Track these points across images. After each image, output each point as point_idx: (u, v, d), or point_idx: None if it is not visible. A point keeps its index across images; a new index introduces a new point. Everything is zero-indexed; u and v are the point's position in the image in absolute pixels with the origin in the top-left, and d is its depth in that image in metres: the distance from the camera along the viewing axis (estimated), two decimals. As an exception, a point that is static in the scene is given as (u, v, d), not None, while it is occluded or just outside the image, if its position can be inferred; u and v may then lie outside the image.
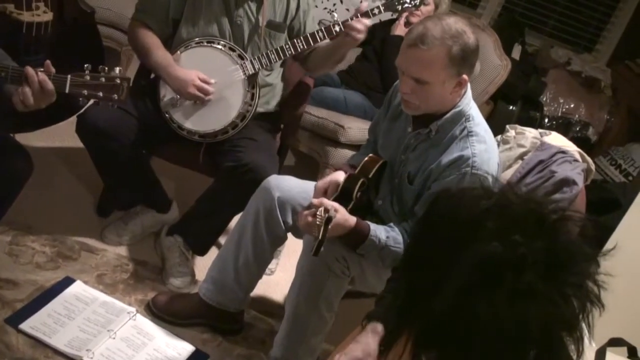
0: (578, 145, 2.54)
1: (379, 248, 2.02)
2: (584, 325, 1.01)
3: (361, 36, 2.45)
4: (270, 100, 2.71)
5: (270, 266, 2.64)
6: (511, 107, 4.39)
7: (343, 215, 1.96)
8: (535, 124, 4.43)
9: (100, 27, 2.83)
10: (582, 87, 4.71)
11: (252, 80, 2.52)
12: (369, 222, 2.04)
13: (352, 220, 1.99)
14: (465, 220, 1.03)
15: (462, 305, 0.97)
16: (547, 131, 2.53)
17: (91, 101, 2.02)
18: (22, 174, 2.08)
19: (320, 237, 1.83)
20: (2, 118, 2.04)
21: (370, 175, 2.15)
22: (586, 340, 2.83)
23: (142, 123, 2.49)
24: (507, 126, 2.57)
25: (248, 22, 2.55)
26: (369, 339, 1.62)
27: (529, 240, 0.98)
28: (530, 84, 4.47)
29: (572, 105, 4.65)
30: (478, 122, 2.05)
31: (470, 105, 2.06)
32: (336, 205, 1.96)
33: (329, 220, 1.86)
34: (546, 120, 4.59)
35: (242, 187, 2.40)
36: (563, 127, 4.60)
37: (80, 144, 2.53)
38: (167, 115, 2.52)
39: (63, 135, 3.03)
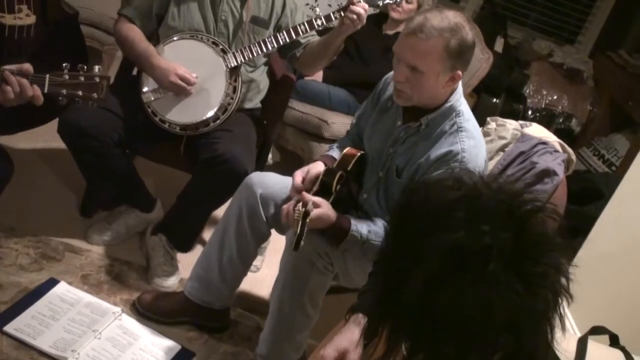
0: (561, 137, 2.55)
1: (360, 242, 2.03)
2: (555, 315, 1.02)
3: (360, 22, 2.46)
4: (253, 97, 2.72)
5: (255, 263, 2.65)
6: (494, 100, 4.40)
7: (324, 210, 1.97)
8: (519, 116, 4.46)
9: (82, 27, 2.82)
10: (565, 78, 4.73)
11: (234, 73, 2.52)
12: (350, 217, 2.05)
13: (333, 215, 2.00)
14: (434, 210, 1.04)
15: (429, 294, 0.98)
16: (528, 122, 2.55)
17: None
18: (2, 177, 2.06)
19: (298, 231, 1.84)
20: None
21: (349, 168, 2.17)
22: (570, 329, 2.86)
23: (125, 121, 2.48)
24: (488, 118, 2.58)
25: (232, 17, 2.57)
26: (354, 329, 1.63)
27: (496, 231, 0.99)
28: (513, 77, 4.49)
29: (555, 97, 4.67)
30: (468, 118, 2.06)
31: (460, 101, 2.07)
32: (318, 199, 1.97)
33: (306, 214, 1.87)
34: (529, 112, 4.62)
35: (217, 179, 2.42)
36: (546, 118, 4.62)
37: (62, 145, 2.51)
38: (148, 108, 2.51)
39: (45, 135, 3.01)
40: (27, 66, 1.85)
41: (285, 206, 1.99)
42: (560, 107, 4.66)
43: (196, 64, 2.49)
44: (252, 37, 2.60)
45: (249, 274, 2.45)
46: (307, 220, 1.86)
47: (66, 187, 2.92)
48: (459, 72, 1.96)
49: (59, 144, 2.55)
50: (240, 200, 2.28)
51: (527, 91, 4.63)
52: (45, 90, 1.86)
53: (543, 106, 4.67)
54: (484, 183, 1.08)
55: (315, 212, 1.92)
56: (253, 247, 2.33)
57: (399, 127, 2.11)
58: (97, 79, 1.90)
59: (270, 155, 3.24)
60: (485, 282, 0.96)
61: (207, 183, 2.48)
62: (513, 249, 0.98)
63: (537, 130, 2.49)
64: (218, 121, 2.52)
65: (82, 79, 1.88)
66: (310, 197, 1.96)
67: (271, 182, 2.29)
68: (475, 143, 2.02)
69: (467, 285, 0.96)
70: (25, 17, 2.40)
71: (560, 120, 4.67)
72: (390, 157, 2.12)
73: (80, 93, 1.90)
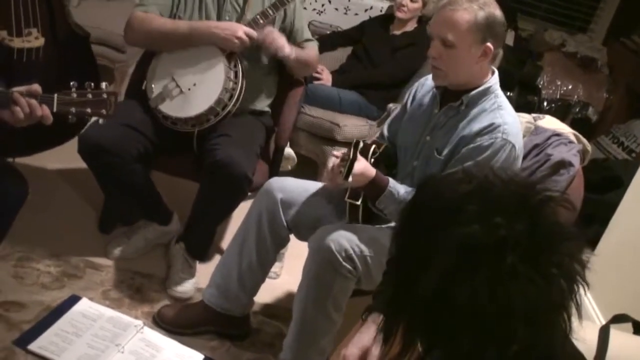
0: (579, 126, 2.54)
1: (397, 202, 2.06)
2: (572, 304, 1.01)
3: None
4: (258, 98, 2.72)
5: (274, 269, 2.65)
6: (509, 94, 4.37)
7: (364, 164, 2.04)
8: (534, 108, 4.43)
9: (92, 47, 2.86)
10: (579, 67, 4.68)
11: (231, 58, 2.53)
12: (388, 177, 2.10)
13: (372, 170, 2.06)
14: (446, 204, 1.03)
15: (444, 290, 0.97)
16: (541, 115, 2.53)
17: (92, 120, 2.04)
18: (16, 200, 2.08)
19: (351, 156, 1.94)
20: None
21: (380, 150, 2.23)
22: (595, 319, 2.82)
23: (142, 134, 2.51)
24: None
25: (236, 16, 2.60)
26: (372, 328, 1.63)
27: (510, 222, 0.98)
28: (525, 69, 4.46)
29: (570, 87, 4.63)
30: (505, 101, 2.10)
31: (498, 86, 2.11)
32: (357, 155, 2.01)
33: (357, 143, 1.98)
34: (545, 103, 4.58)
35: (218, 185, 2.44)
36: (562, 109, 4.58)
37: (77, 164, 2.54)
38: (159, 113, 2.53)
39: (60, 155, 3.05)
40: (36, 87, 1.87)
41: (331, 161, 2.10)
42: (575, 97, 4.61)
43: (194, 58, 2.52)
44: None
45: (269, 280, 2.46)
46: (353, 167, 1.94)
47: (84, 204, 2.95)
48: (490, 46, 1.99)
49: (75, 163, 2.58)
50: (260, 206, 2.29)
51: (541, 83, 4.59)
52: (54, 110, 1.88)
53: (558, 97, 4.63)
54: (495, 175, 1.07)
55: (359, 165, 1.99)
56: (272, 253, 2.34)
57: (436, 114, 2.14)
58: (105, 95, 1.92)
59: (291, 160, 3.24)
60: (503, 275, 0.95)
61: (211, 189, 2.50)
62: (529, 241, 0.97)
63: (550, 122, 2.47)
64: (227, 108, 2.52)
65: (90, 96, 1.90)
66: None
67: (291, 187, 2.32)
68: (516, 121, 2.08)
69: (483, 279, 0.95)
70: (34, 40, 2.44)
71: (577, 110, 4.63)
72: (427, 144, 2.14)
73: (89, 110, 1.92)
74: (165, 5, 2.57)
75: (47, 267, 2.53)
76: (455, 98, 2.09)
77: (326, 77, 3.54)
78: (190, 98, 2.53)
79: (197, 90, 2.53)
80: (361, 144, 2.03)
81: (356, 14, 4.05)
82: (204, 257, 2.72)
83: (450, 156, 2.07)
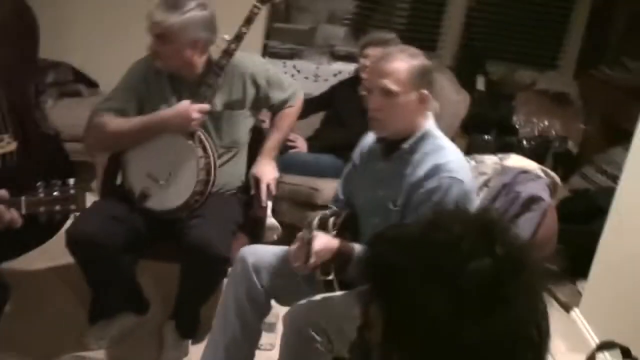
0: (562, 160, 2.58)
1: None
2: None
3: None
4: (230, 182, 2.75)
5: (269, 341, 2.65)
6: (486, 137, 4.44)
7: (324, 238, 2.09)
8: (514, 148, 4.48)
9: (70, 144, 2.93)
10: (553, 103, 4.77)
11: (194, 135, 2.55)
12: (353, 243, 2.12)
13: (334, 241, 2.10)
14: (440, 255, 1.00)
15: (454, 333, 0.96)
16: (506, 155, 2.58)
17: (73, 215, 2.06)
18: None
19: (309, 236, 1.99)
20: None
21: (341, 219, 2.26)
22: (592, 343, 2.77)
23: (128, 224, 2.53)
24: (467, 157, 2.60)
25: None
26: None
27: (491, 249, 0.99)
28: (500, 111, 4.54)
29: (546, 123, 4.70)
30: (446, 141, 2.17)
31: (435, 129, 2.18)
32: (315, 232, 2.06)
33: (309, 223, 2.05)
34: (524, 142, 4.64)
35: (196, 266, 2.46)
36: (542, 145, 4.63)
37: (63, 260, 2.54)
38: (146, 209, 2.56)
39: (46, 253, 3.07)
40: (2, 192, 1.91)
41: (290, 248, 2.13)
42: (553, 132, 4.68)
43: (161, 147, 2.56)
44: (230, 119, 2.66)
45: (265, 353, 2.44)
46: (312, 245, 1.98)
47: (73, 300, 2.94)
48: (426, 92, 2.10)
49: (61, 259, 2.58)
50: (235, 277, 2.31)
51: (518, 122, 4.66)
52: (24, 212, 1.91)
53: (537, 134, 4.69)
54: (445, 214, 1.09)
55: (319, 239, 2.05)
56: (256, 324, 2.34)
57: (382, 167, 2.20)
58: (72, 191, 1.95)
59: (276, 229, 3.25)
60: (522, 298, 0.97)
61: (188, 271, 2.52)
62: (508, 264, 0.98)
63: (516, 161, 2.52)
64: (210, 182, 2.55)
65: (58, 193, 1.93)
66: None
67: (262, 251, 2.35)
68: (459, 157, 2.13)
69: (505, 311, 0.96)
70: (7, 145, 2.51)
71: (557, 145, 4.68)
72: (382, 198, 2.17)
73: (57, 208, 1.94)
74: (123, 109, 2.59)
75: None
76: (396, 148, 2.15)
77: (301, 145, 3.61)
78: (171, 188, 2.56)
79: (176, 178, 2.56)
80: (315, 221, 2.08)
81: (326, 80, 4.16)
82: (194, 336, 2.71)
83: (405, 205, 2.10)
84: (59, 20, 3.94)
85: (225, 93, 2.64)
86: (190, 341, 2.70)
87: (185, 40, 2.47)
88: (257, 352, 2.53)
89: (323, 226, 2.17)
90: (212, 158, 2.57)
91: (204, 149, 2.57)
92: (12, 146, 2.53)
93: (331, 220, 2.23)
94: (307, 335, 2.03)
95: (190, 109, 2.50)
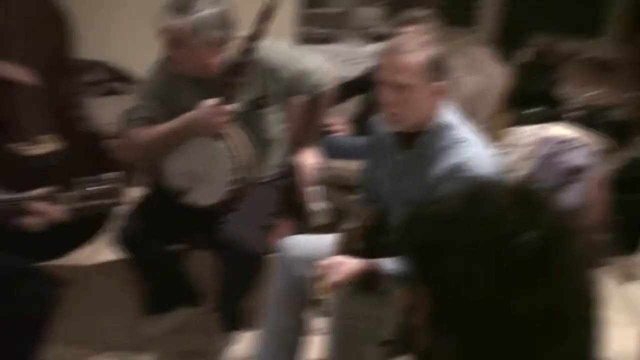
0: (612, 129, 2.51)
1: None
2: None
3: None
4: (268, 171, 2.74)
5: (318, 326, 2.66)
6: (532, 110, 4.33)
7: (336, 260, 2.05)
8: (561, 119, 4.36)
9: (110, 142, 2.98)
10: (600, 71, 4.62)
11: (223, 136, 2.51)
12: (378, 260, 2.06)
13: (353, 262, 2.04)
14: (488, 231, 0.99)
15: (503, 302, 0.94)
16: (547, 125, 2.52)
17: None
18: (48, 301, 2.15)
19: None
20: (22, 249, 2.14)
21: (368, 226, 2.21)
22: None
23: (171, 218, 2.59)
24: (506, 130, 2.56)
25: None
26: None
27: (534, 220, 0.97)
28: (544, 83, 4.42)
29: (594, 92, 4.55)
30: (461, 128, 2.07)
31: (450, 115, 2.09)
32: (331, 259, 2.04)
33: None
34: (572, 113, 4.51)
35: (229, 262, 2.47)
36: (591, 115, 4.49)
37: (113, 256, 2.60)
38: (185, 204, 2.57)
39: (94, 249, 3.15)
40: (48, 190, 1.96)
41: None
42: (601, 101, 4.54)
43: (191, 149, 2.54)
44: (259, 116, 2.63)
45: (316, 337, 2.45)
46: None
47: (126, 294, 2.98)
48: (442, 82, 2.00)
49: (110, 256, 2.64)
50: (278, 266, 2.34)
51: (564, 93, 4.54)
52: (68, 208, 1.96)
53: (585, 104, 4.56)
54: (484, 187, 1.07)
55: (325, 265, 2.01)
56: (302, 311, 2.35)
57: (398, 160, 2.14)
58: (113, 184, 1.99)
59: (323, 214, 3.24)
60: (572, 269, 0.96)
61: (225, 267, 2.54)
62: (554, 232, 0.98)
63: (555, 130, 2.46)
64: (242, 183, 2.53)
65: (100, 187, 1.97)
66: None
67: (304, 241, 2.36)
68: (477, 150, 2.02)
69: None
70: (50, 144, 2.57)
71: (607, 114, 4.54)
72: (406, 191, 2.13)
73: (101, 202, 1.99)
74: (151, 118, 2.56)
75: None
76: (414, 140, 2.08)
77: (342, 128, 3.59)
78: (205, 187, 2.55)
79: (208, 178, 2.54)
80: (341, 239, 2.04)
81: (362, 62, 4.11)
82: (238, 328, 2.73)
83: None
84: (93, 19, 3.99)
85: (249, 91, 2.57)
86: (239, 331, 2.72)
87: (198, 42, 2.38)
88: (309, 338, 2.57)
89: (350, 244, 2.15)
90: (243, 156, 2.54)
91: (234, 148, 2.54)
92: (55, 145, 2.59)
93: (358, 233, 2.18)
94: (354, 323, 2.05)
95: (212, 112, 2.43)
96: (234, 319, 2.71)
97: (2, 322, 2.07)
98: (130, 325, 2.83)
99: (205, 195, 2.57)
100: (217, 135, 2.50)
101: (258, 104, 2.61)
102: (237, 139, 2.55)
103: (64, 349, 2.60)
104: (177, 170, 2.59)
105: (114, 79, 4.12)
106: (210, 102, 2.43)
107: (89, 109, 2.99)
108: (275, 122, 2.70)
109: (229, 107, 2.46)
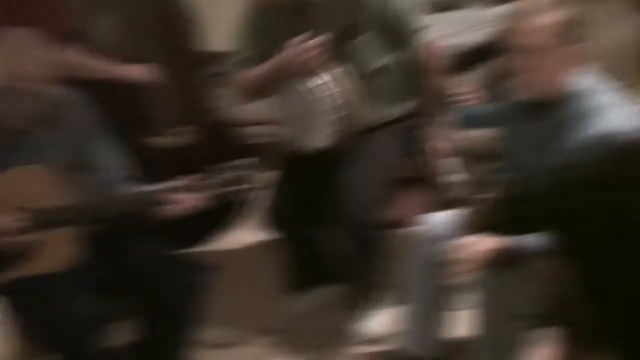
0: None
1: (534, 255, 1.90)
2: None
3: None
4: (379, 105, 2.60)
5: (461, 302, 2.60)
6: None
7: (476, 240, 2.01)
8: None
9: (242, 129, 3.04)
10: None
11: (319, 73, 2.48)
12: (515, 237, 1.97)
13: (490, 241, 1.99)
14: None
15: None
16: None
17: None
18: (199, 288, 2.22)
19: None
20: (167, 238, 2.22)
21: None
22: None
23: (310, 194, 2.61)
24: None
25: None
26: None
27: None
28: None
29: None
30: (603, 94, 1.96)
31: (590, 80, 1.98)
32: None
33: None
34: None
35: (345, 235, 2.47)
36: None
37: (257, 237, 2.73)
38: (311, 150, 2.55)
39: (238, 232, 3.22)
40: (188, 180, 2.04)
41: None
42: None
43: (290, 93, 2.53)
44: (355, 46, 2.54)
45: (460, 313, 2.43)
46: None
47: (272, 273, 3.00)
48: (577, 45, 1.90)
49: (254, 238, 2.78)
50: (416, 242, 2.33)
51: None
52: (207, 196, 2.03)
53: None
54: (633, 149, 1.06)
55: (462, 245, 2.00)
56: (442, 288, 2.33)
57: (537, 129, 2.04)
58: (242, 171, 2.04)
59: (455, 187, 3.15)
60: None
61: (341, 240, 2.54)
62: None
63: None
64: (351, 121, 2.48)
65: (228, 176, 2.04)
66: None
67: (436, 221, 2.34)
68: (620, 115, 1.89)
69: None
70: (183, 136, 2.67)
71: None
72: (534, 164, 2.00)
73: (237, 187, 2.06)
74: (256, 56, 2.58)
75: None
76: (550, 108, 1.98)
77: (474, 96, 3.46)
78: (316, 124, 2.51)
79: (314, 113, 2.50)
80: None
81: (491, 26, 3.95)
82: (373, 304, 2.71)
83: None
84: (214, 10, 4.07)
85: (335, 20, 2.52)
86: (376, 308, 2.71)
87: None
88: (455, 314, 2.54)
89: (488, 215, 2.03)
90: (343, 92, 2.45)
91: (332, 84, 2.46)
92: (189, 136, 2.68)
93: (494, 202, 2.06)
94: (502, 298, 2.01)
95: (301, 49, 2.41)
96: (368, 296, 2.70)
97: (151, 309, 2.16)
98: (276, 306, 2.89)
99: (313, 138, 2.53)
100: (313, 73, 2.47)
101: (348, 34, 2.52)
102: (334, 74, 2.49)
103: (220, 331, 2.69)
104: (284, 118, 2.61)
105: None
106: (297, 39, 2.42)
107: (218, 98, 3.08)
108: (378, 51, 2.57)
109: (315, 42, 2.42)
